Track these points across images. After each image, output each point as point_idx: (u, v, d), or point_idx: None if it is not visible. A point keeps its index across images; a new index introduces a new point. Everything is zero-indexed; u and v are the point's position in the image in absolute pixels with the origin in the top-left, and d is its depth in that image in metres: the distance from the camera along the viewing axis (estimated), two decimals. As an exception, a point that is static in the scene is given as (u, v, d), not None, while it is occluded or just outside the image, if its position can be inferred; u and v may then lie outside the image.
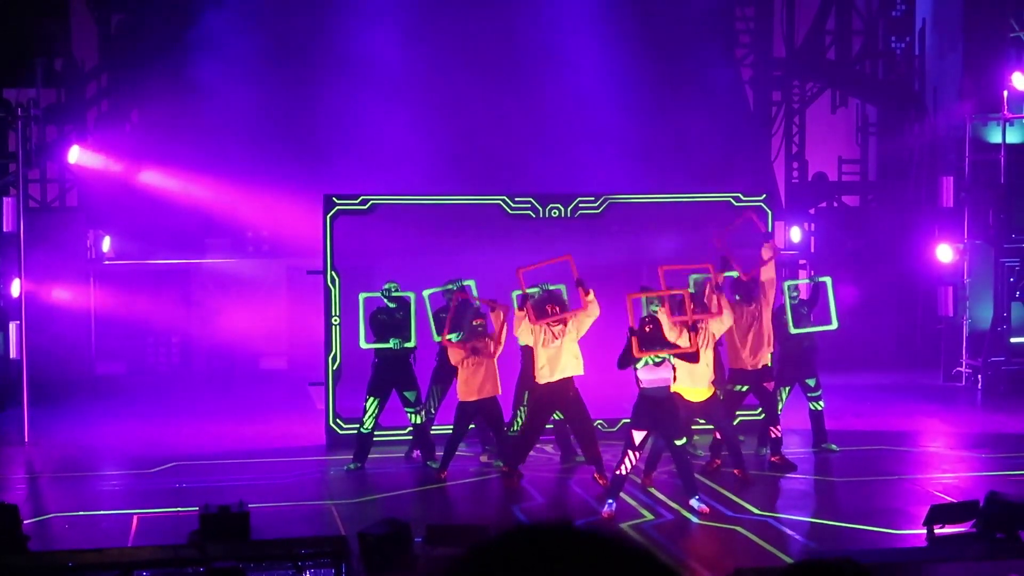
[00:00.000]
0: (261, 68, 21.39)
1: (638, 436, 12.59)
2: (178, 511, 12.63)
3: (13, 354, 17.34)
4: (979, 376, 20.38)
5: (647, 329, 12.51)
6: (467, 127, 21.85)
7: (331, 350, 15.94)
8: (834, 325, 15.82)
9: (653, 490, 13.57)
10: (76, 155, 20.09)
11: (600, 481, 13.63)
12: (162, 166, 21.59)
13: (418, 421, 14.96)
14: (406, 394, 14.91)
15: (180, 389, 20.44)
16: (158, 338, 21.92)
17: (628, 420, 13.27)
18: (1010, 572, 9.78)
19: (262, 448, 15.94)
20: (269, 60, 21.56)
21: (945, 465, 15.06)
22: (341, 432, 15.86)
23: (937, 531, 10.61)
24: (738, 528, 12.20)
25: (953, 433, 17.14)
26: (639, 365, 12.51)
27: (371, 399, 14.87)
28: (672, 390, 12.74)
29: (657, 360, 12.48)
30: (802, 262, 22.35)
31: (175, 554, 9.27)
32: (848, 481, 14.26)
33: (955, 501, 12.05)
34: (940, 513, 10.81)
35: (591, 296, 13.58)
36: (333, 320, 15.92)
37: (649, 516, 12.68)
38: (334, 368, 15.93)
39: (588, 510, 12.90)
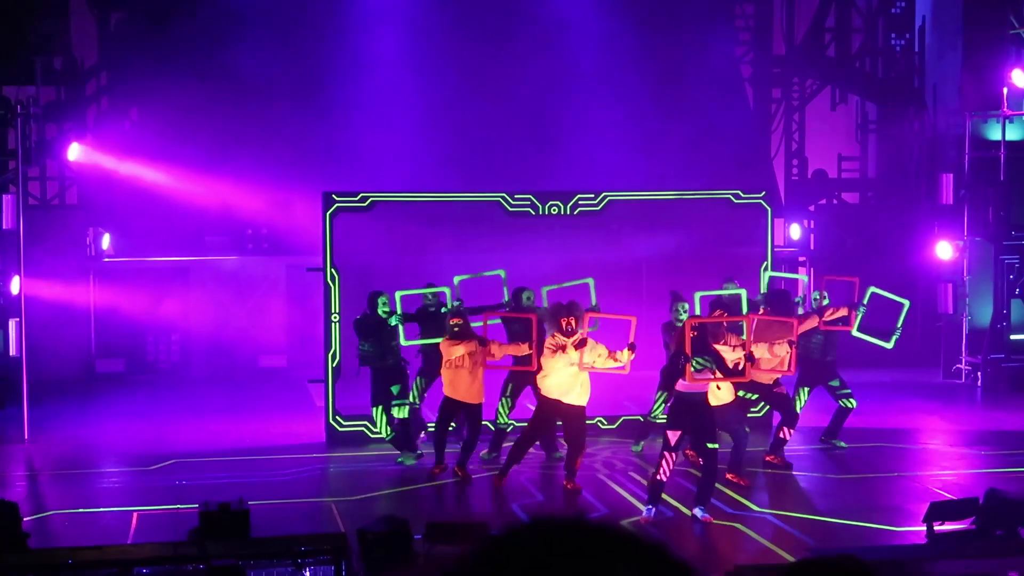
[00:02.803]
0: (261, 66, 21.37)
1: (673, 437, 12.50)
2: (178, 508, 12.63)
3: (13, 352, 17.34)
4: (979, 373, 20.37)
5: (695, 335, 12.46)
6: (467, 124, 21.84)
7: (330, 347, 15.93)
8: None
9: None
10: (76, 153, 20.08)
11: (568, 486, 13.47)
12: (162, 164, 21.58)
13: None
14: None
15: (180, 386, 20.43)
16: (157, 335, 21.91)
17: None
18: (1010, 569, 9.78)
19: (262, 445, 15.94)
20: (269, 58, 21.54)
21: (945, 462, 15.06)
22: (340, 429, 15.86)
23: (937, 528, 10.60)
24: (738, 525, 12.20)
25: (953, 430, 17.14)
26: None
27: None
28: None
29: (700, 368, 12.43)
30: (801, 259, 22.33)
31: (175, 551, 9.27)
32: (848, 478, 14.27)
33: (955, 498, 12.04)
34: (940, 510, 10.81)
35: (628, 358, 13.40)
36: (333, 317, 15.92)
37: (649, 513, 12.66)
38: (333, 365, 15.93)
39: (587, 508, 12.90)
